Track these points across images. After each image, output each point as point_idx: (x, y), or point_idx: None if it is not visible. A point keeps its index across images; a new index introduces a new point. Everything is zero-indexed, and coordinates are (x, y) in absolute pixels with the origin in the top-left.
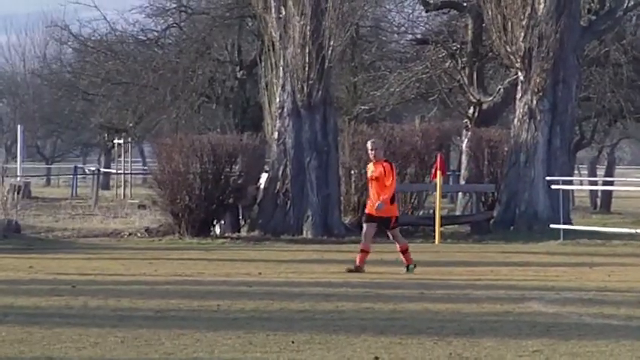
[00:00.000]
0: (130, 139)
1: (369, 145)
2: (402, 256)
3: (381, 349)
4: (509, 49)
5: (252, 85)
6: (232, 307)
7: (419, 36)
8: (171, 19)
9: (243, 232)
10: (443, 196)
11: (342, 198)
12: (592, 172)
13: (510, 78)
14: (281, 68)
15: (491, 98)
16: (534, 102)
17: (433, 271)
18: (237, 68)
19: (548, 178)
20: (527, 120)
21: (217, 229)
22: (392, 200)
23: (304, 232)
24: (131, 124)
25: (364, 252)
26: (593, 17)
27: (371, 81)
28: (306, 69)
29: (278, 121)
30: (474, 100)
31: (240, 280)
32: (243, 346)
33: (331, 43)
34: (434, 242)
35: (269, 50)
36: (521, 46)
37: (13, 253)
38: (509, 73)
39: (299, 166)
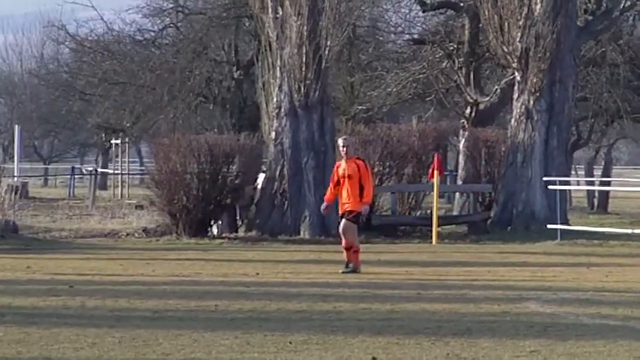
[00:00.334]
0: (127, 139)
1: (340, 142)
2: (344, 253)
3: (379, 350)
4: (506, 50)
5: (250, 85)
6: (230, 308)
7: (416, 36)
8: (168, 19)
9: (241, 233)
10: (440, 196)
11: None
12: (589, 173)
13: (507, 78)
14: (278, 68)
15: (488, 98)
16: (531, 102)
17: (430, 271)
18: (235, 68)
19: (545, 178)
20: (524, 120)
21: (215, 230)
22: (361, 196)
23: (302, 232)
24: (128, 124)
25: (354, 251)
26: (590, 17)
27: (368, 81)
28: (303, 69)
29: (275, 121)
30: (471, 101)
31: (237, 280)
32: (240, 347)
33: (328, 43)
34: (431, 242)
35: (266, 50)
36: (517, 47)
37: (11, 254)
38: (506, 74)
39: (296, 166)
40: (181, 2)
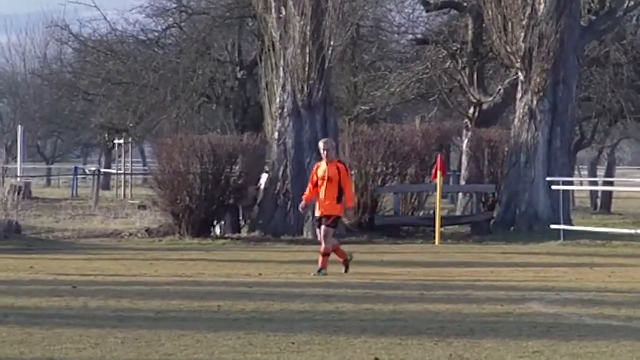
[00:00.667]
0: (130, 140)
1: (321, 144)
2: (320, 258)
3: (381, 350)
4: (509, 49)
5: (253, 85)
6: (233, 308)
7: (419, 36)
8: (171, 19)
9: (244, 233)
10: (443, 196)
11: None
12: (592, 173)
13: (510, 78)
14: (281, 68)
15: (491, 98)
16: (534, 102)
17: (433, 271)
18: (238, 68)
19: (548, 178)
20: (528, 120)
21: (217, 230)
22: (339, 199)
23: (304, 232)
24: (131, 124)
25: (335, 251)
26: (594, 17)
27: (371, 81)
28: (307, 69)
29: (278, 121)
30: (474, 101)
31: (240, 280)
32: (243, 347)
33: (331, 43)
34: (434, 243)
35: (269, 50)
36: (521, 46)
37: (14, 254)
38: (509, 73)
39: (299, 166)
40: (185, 2)
